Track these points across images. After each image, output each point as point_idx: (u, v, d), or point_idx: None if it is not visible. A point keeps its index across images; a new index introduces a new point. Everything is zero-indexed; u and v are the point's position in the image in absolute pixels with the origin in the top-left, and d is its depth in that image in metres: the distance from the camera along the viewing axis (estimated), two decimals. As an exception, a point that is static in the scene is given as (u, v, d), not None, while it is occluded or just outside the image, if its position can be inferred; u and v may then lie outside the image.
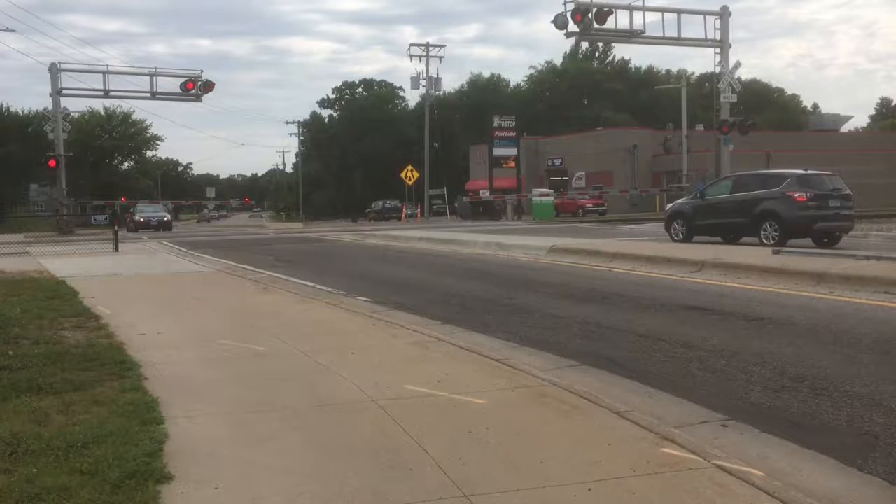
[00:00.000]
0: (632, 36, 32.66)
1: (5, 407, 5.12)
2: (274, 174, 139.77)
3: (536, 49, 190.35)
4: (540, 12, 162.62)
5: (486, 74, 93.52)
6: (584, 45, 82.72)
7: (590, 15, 30.31)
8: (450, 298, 11.33)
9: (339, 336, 7.88)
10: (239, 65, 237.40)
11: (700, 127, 55.42)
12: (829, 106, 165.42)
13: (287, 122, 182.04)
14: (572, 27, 30.54)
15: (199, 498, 3.77)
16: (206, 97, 39.12)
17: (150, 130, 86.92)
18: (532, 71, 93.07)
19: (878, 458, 4.46)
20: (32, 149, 59.36)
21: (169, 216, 44.59)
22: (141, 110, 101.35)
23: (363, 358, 6.81)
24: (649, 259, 14.61)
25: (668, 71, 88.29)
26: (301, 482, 3.95)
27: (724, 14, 33.92)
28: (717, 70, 34.98)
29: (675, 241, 19.80)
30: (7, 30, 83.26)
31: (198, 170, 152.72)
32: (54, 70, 37.25)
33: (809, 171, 18.72)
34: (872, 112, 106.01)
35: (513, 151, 53.77)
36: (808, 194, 17.67)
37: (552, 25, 30.41)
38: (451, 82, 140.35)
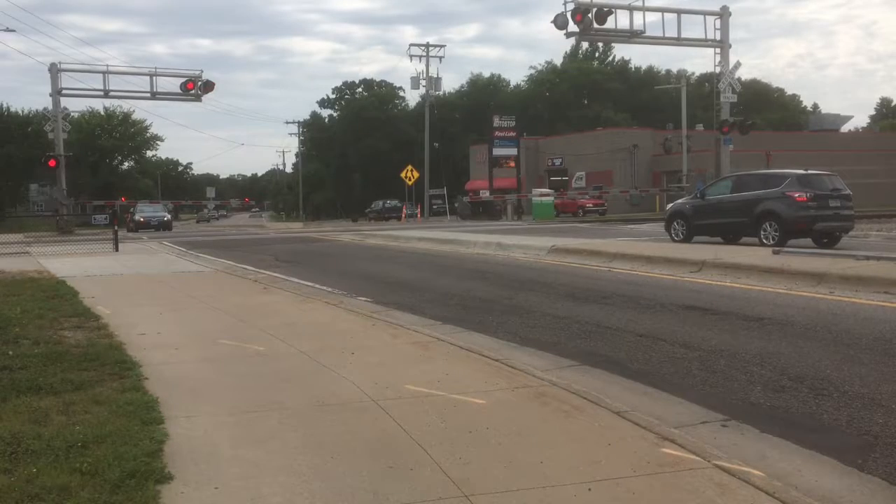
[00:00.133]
0: (632, 36, 32.67)
1: (5, 407, 5.12)
2: (274, 174, 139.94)
3: (536, 49, 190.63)
4: (540, 12, 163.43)
5: (486, 74, 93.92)
6: (584, 45, 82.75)
7: (590, 15, 30.33)
8: (450, 298, 11.33)
9: (339, 336, 7.87)
10: (239, 65, 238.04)
11: (700, 127, 55.46)
12: (829, 106, 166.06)
13: (287, 122, 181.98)
14: (572, 27, 30.59)
15: (199, 498, 3.77)
16: (206, 97, 39.16)
17: (150, 130, 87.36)
18: (532, 71, 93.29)
19: (878, 458, 4.46)
20: (32, 149, 59.46)
21: (169, 216, 44.54)
22: (141, 110, 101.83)
23: (363, 358, 6.81)
24: (649, 259, 14.61)
25: (668, 71, 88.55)
26: (301, 482, 3.95)
27: (724, 14, 33.94)
28: (717, 70, 34.99)
29: (675, 241, 19.81)
30: (7, 30, 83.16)
31: (198, 170, 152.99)
32: (54, 70, 37.24)
33: (809, 171, 18.73)
34: (872, 112, 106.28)
35: (513, 151, 53.74)
36: (809, 194, 17.67)
37: (552, 25, 30.51)
38: (451, 82, 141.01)
